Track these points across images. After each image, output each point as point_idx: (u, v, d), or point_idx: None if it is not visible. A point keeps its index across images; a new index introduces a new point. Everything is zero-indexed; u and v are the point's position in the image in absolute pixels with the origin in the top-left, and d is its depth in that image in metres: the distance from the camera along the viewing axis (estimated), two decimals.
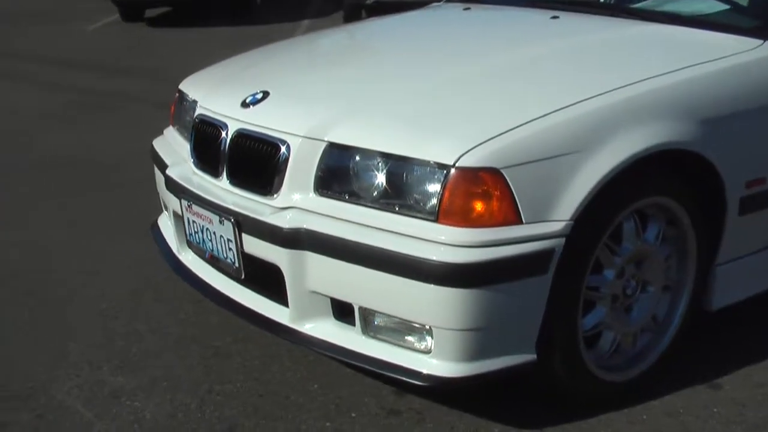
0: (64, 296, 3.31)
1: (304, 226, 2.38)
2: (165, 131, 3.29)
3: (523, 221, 2.23)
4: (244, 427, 2.46)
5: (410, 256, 2.22)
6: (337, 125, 2.44)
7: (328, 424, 2.48)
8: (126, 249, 3.69)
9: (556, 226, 2.25)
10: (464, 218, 2.21)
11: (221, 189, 2.66)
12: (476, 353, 2.27)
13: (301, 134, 2.46)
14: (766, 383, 2.72)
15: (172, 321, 3.08)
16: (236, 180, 2.61)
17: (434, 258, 2.19)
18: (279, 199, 2.47)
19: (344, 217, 2.36)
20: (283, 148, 2.48)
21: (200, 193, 2.69)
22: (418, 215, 2.25)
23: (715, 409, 2.58)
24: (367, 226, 2.31)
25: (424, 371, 2.29)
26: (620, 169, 2.32)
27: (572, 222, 2.27)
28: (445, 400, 2.58)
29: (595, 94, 2.40)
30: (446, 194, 2.21)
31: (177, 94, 3.20)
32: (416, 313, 2.27)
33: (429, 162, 2.24)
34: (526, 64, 2.72)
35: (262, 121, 2.58)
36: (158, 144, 3.21)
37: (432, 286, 2.20)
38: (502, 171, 2.20)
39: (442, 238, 2.21)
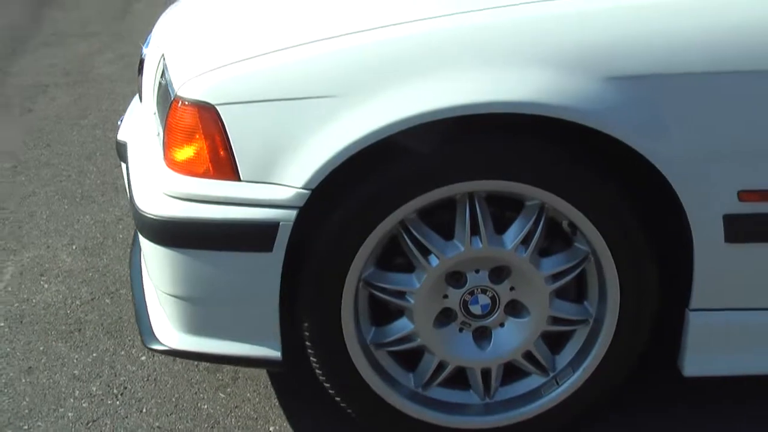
0: None
1: (124, 139, 2.22)
2: None
3: (240, 178, 1.76)
4: None
5: (133, 195, 1.93)
6: (172, 38, 2.17)
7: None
8: None
9: (282, 193, 1.73)
10: (175, 161, 1.82)
11: None
12: (194, 327, 1.90)
13: (153, 45, 2.27)
14: None
15: None
16: None
17: (137, 202, 1.88)
18: (146, 105, 2.31)
19: (148, 137, 2.12)
20: (143, 51, 2.32)
21: None
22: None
23: None
24: (148, 152, 2.05)
25: (153, 329, 2.01)
26: (405, 126, 1.67)
27: (308, 192, 1.72)
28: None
29: (391, 23, 1.73)
30: (165, 129, 1.85)
31: None
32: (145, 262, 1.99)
33: (172, 88, 1.88)
34: None
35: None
36: None
37: (141, 235, 1.90)
38: (218, 108, 1.74)
39: (153, 182, 1.87)
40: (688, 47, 1.69)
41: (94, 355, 2.36)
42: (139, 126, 2.20)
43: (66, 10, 6.12)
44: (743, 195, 1.75)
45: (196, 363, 2.30)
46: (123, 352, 2.36)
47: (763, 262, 1.82)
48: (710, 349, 1.91)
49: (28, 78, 4.74)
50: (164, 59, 2.03)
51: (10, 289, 2.67)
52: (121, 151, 2.25)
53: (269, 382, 2.22)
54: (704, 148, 1.72)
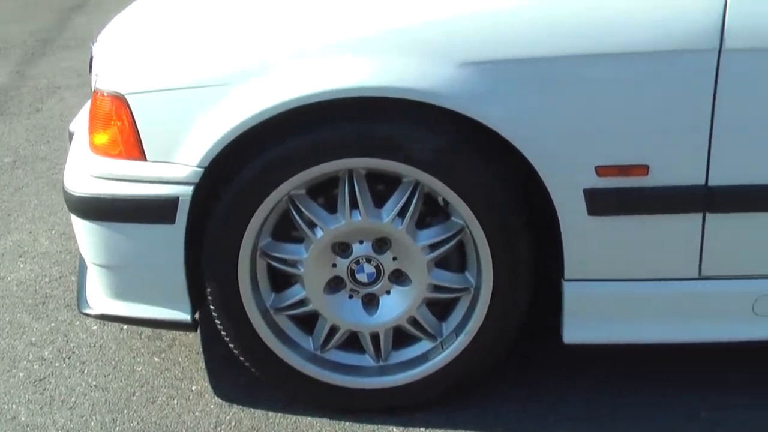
0: None
1: (73, 129, 2.56)
2: None
3: (147, 158, 2.06)
4: None
5: (63, 176, 2.26)
6: (103, 36, 2.53)
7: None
8: None
9: (180, 171, 2.03)
10: (95, 145, 2.13)
11: None
12: (117, 293, 2.21)
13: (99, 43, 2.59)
14: None
15: None
16: None
17: (64, 181, 2.21)
18: None
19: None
20: (92, 49, 2.65)
21: None
22: None
23: None
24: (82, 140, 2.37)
25: (87, 297, 2.32)
26: (272, 114, 1.94)
27: (201, 170, 2.01)
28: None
29: (266, 18, 2.03)
30: (89, 117, 2.16)
31: None
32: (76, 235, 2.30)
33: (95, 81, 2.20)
34: None
35: None
36: None
37: (69, 210, 2.22)
38: (127, 97, 2.05)
39: (80, 164, 2.19)
40: (537, 32, 1.92)
41: (53, 324, 2.69)
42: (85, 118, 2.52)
43: (90, 16, 6.55)
44: (601, 170, 1.98)
45: (139, 331, 2.61)
46: (78, 323, 2.69)
47: (626, 234, 2.04)
48: (586, 318, 2.13)
49: (43, 80, 5.16)
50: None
51: None
52: (70, 140, 2.58)
53: (200, 349, 2.52)
54: (559, 127, 1.95)
